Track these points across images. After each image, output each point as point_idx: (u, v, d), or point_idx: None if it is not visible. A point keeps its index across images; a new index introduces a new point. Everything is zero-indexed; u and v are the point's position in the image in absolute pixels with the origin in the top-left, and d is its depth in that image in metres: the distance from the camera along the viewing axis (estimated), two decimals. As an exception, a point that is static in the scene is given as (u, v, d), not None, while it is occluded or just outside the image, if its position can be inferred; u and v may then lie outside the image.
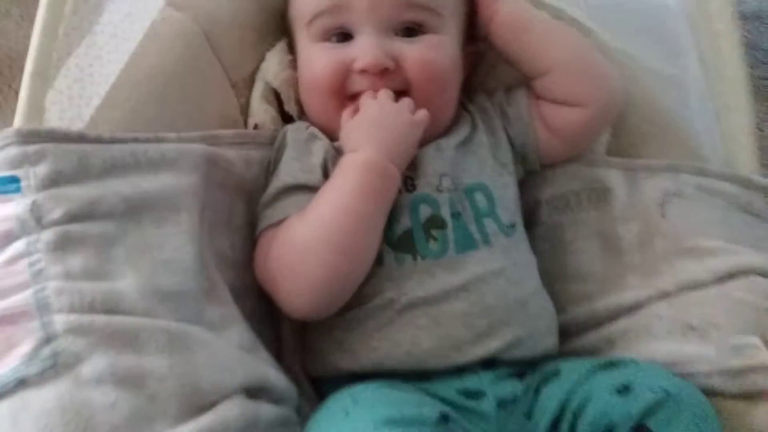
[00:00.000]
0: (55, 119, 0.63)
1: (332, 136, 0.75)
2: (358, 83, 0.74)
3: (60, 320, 0.54)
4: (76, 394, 0.52)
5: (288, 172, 0.72)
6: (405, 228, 0.70)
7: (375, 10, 0.73)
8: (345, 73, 0.73)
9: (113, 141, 0.63)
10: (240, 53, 0.81)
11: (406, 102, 0.72)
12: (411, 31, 0.75)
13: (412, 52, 0.74)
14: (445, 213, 0.70)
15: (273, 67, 0.80)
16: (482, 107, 0.81)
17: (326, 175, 0.72)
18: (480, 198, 0.73)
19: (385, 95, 0.72)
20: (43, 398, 0.52)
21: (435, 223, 0.70)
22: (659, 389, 0.59)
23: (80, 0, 0.66)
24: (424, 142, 0.73)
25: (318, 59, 0.75)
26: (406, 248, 0.69)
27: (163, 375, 0.55)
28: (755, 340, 0.66)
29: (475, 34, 0.81)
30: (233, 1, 0.81)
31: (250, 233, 0.73)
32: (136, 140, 0.64)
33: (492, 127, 0.79)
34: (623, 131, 0.84)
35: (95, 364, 0.53)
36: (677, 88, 0.86)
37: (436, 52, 0.75)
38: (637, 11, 0.93)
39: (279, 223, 0.69)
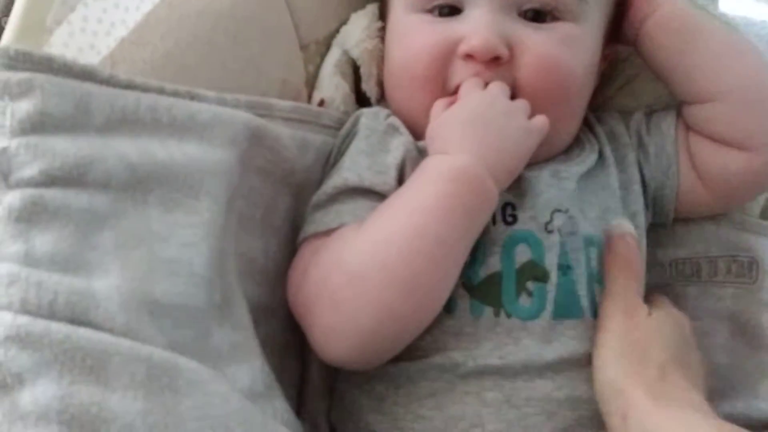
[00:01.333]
0: (59, 44, 0.47)
1: (417, 132, 0.59)
2: (459, 72, 0.57)
3: (5, 321, 0.39)
4: (5, 430, 0.38)
5: (353, 169, 0.56)
6: (492, 271, 0.54)
7: None
8: (447, 56, 0.57)
9: (129, 86, 0.47)
10: (319, 7, 0.65)
11: (521, 103, 0.55)
12: (540, 14, 0.58)
13: (536, 43, 0.57)
14: (551, 262, 0.55)
15: (357, 32, 0.64)
16: (613, 132, 0.64)
17: (401, 180, 0.56)
18: (593, 256, 0.57)
19: (498, 88, 0.55)
20: None
21: (534, 272, 0.55)
22: None
23: None
24: (534, 162, 0.56)
25: (415, 34, 0.59)
26: (488, 298, 0.54)
27: (132, 423, 0.40)
28: None
29: (618, 33, 0.63)
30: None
31: (292, 237, 0.57)
32: (161, 91, 0.48)
33: (623, 160, 0.63)
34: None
35: (41, 392, 0.39)
36: None
37: (567, 48, 0.58)
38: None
39: (330, 232, 0.54)
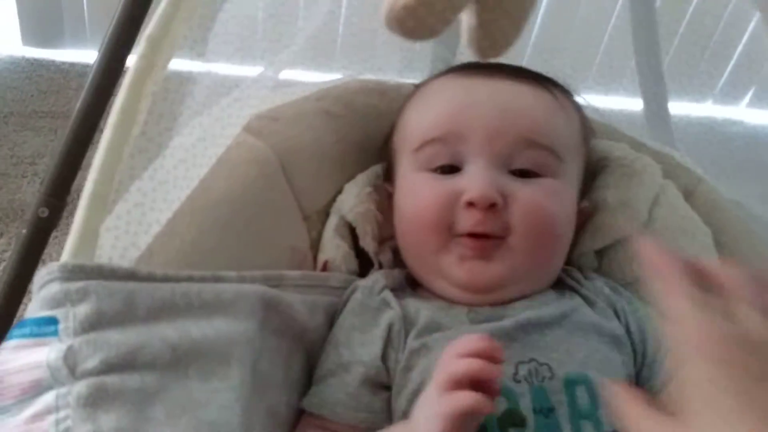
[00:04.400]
0: (108, 246, 0.57)
1: (427, 282, 0.68)
2: (463, 220, 0.66)
3: None
4: None
5: (347, 345, 0.65)
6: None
7: (492, 142, 0.67)
8: (452, 205, 0.67)
9: (166, 279, 0.56)
10: (315, 185, 0.76)
11: (446, 373, 0.54)
12: (526, 172, 0.68)
13: (525, 193, 0.66)
14: (526, 408, 0.59)
15: (350, 199, 0.75)
16: (586, 283, 0.72)
17: (386, 346, 0.64)
18: (582, 394, 0.60)
19: (436, 391, 0.55)
20: None
21: (512, 419, 0.59)
22: None
23: (151, 122, 0.61)
24: (514, 299, 0.65)
25: (424, 188, 0.69)
26: None
27: None
28: None
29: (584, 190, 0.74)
30: (313, 131, 0.77)
31: (307, 389, 0.65)
32: (190, 279, 0.58)
33: (603, 309, 0.68)
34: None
35: None
36: None
37: (552, 199, 0.68)
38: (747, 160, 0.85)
39: (312, 416, 0.62)
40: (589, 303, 0.68)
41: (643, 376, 0.66)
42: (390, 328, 0.65)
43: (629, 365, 0.65)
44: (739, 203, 0.83)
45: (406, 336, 0.64)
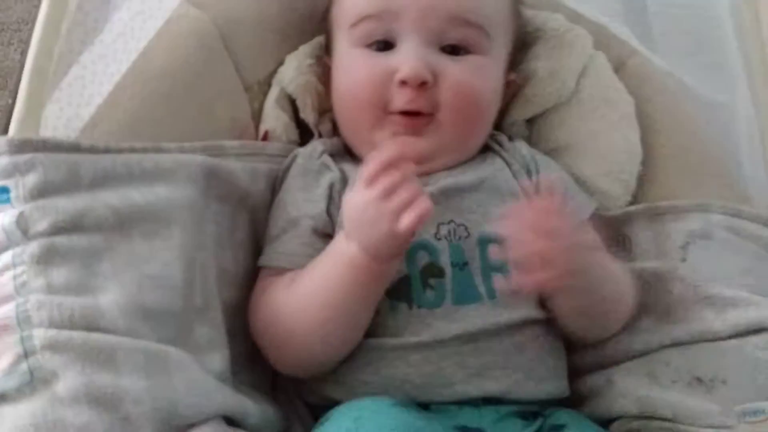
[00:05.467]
0: (52, 117, 0.62)
1: (359, 148, 0.73)
2: (396, 98, 0.71)
3: (39, 335, 0.53)
4: (50, 412, 0.52)
5: (293, 204, 0.71)
6: (402, 275, 0.66)
7: (425, 20, 0.71)
8: (386, 84, 0.71)
9: (107, 150, 0.61)
10: (257, 56, 0.79)
11: (395, 203, 0.60)
12: (456, 49, 0.72)
13: (454, 72, 0.71)
14: (444, 262, 0.67)
15: (290, 71, 0.78)
16: (509, 146, 0.77)
17: (329, 203, 0.70)
18: (490, 250, 0.68)
19: (375, 193, 0.61)
20: (17, 414, 0.52)
21: (432, 271, 0.67)
22: None
23: (86, -6, 0.64)
24: (439, 170, 0.71)
25: (359, 66, 0.73)
26: (401, 296, 0.66)
27: (140, 397, 0.54)
28: (765, 406, 0.63)
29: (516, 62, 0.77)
30: (256, 1, 0.79)
31: (254, 248, 0.71)
32: (132, 150, 0.62)
33: (518, 171, 0.75)
34: (658, 160, 0.80)
35: (71, 382, 0.53)
36: (724, 116, 0.82)
37: (478, 76, 0.72)
38: (690, 32, 0.87)
39: (279, 271, 0.68)
40: (509, 165, 0.75)
41: None
42: (331, 187, 0.71)
43: None
44: (671, 74, 0.87)
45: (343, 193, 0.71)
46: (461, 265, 0.67)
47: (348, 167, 0.73)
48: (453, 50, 0.72)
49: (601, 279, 0.67)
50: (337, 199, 0.70)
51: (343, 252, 0.63)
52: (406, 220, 0.58)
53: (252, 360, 0.69)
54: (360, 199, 0.62)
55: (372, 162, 0.61)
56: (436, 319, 0.66)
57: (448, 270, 0.67)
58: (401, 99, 0.70)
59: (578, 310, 0.68)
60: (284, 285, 0.67)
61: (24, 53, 0.64)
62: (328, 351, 0.65)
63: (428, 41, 0.71)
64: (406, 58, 0.70)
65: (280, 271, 0.69)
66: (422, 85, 0.69)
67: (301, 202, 0.71)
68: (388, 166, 0.60)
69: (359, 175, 0.63)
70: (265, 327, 0.67)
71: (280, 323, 0.65)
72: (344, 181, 0.72)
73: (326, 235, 0.70)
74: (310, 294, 0.64)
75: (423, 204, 0.59)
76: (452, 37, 0.72)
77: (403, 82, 0.69)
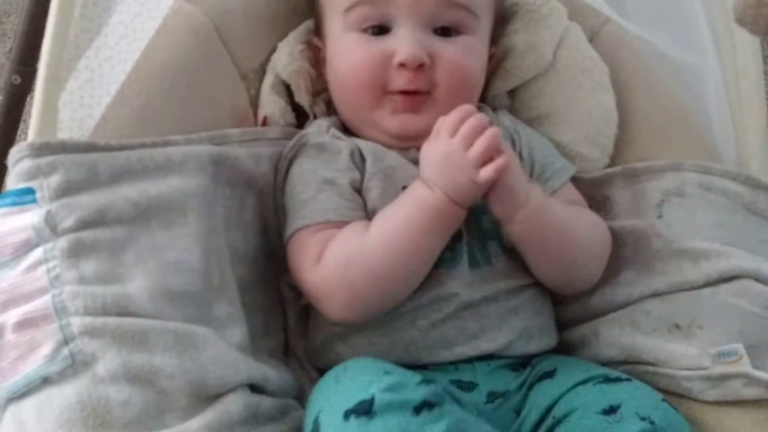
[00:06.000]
0: (67, 119, 0.66)
1: (360, 131, 0.78)
2: (395, 79, 0.75)
3: (76, 322, 0.58)
4: (93, 391, 0.57)
5: (324, 168, 0.74)
6: None
7: (418, 4, 0.75)
8: (385, 66, 0.75)
9: (121, 148, 0.65)
10: (250, 45, 0.82)
11: (476, 152, 0.67)
12: (447, 30, 0.76)
13: (448, 53, 0.75)
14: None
15: (283, 58, 0.82)
16: (492, 117, 0.82)
17: (354, 167, 0.74)
18: (485, 220, 0.73)
19: (457, 144, 0.67)
20: (64, 394, 0.57)
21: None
22: (646, 419, 0.60)
23: (89, 3, 0.67)
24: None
25: (356, 50, 0.77)
26: None
27: (172, 372, 0.59)
28: (738, 347, 0.68)
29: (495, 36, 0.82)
30: (246, -9, 0.82)
31: (262, 227, 0.76)
32: (143, 146, 0.66)
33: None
34: (633, 124, 0.84)
35: (109, 362, 0.58)
36: (695, 79, 0.85)
37: (469, 56, 0.77)
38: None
39: (317, 225, 0.72)
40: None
41: None
42: (352, 154, 0.75)
43: None
44: (645, 39, 0.91)
45: (363, 162, 0.75)
46: (460, 233, 0.72)
47: (354, 140, 0.77)
48: (444, 32, 0.76)
49: (560, 223, 0.72)
50: (358, 164, 0.75)
51: (425, 197, 0.68)
52: (485, 173, 0.66)
53: (266, 330, 0.74)
54: (443, 148, 0.68)
55: (453, 113, 0.68)
56: (452, 279, 0.71)
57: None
58: (401, 80, 0.75)
59: (547, 259, 0.72)
60: (354, 232, 0.69)
61: (5, 45, 0.67)
62: (410, 286, 0.69)
63: (422, 24, 0.75)
64: (404, 42, 0.74)
65: (328, 226, 0.71)
66: (420, 66, 0.74)
67: (330, 170, 0.74)
68: (467, 116, 0.67)
69: (438, 125, 0.70)
70: (336, 275, 0.68)
71: (360, 267, 0.67)
72: (359, 150, 0.76)
73: (360, 192, 0.74)
74: (393, 236, 0.67)
75: (501, 159, 0.66)
76: (444, 19, 0.76)
77: (402, 65, 0.74)
